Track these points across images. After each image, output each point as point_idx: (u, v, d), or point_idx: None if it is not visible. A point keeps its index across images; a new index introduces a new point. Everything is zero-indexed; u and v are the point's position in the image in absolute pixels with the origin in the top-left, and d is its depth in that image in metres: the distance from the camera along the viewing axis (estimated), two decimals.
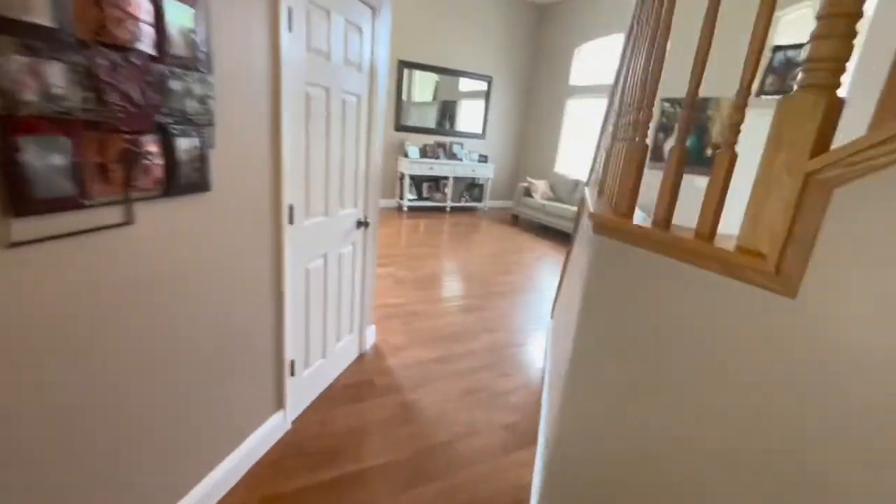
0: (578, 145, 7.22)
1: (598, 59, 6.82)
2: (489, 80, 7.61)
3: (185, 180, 1.17)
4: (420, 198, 7.43)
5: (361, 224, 2.27)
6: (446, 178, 7.36)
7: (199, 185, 1.24)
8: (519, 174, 8.34)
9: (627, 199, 1.12)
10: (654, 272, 0.98)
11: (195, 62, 1.15)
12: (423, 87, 7.18)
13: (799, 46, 4.47)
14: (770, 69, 4.72)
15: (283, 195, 1.58)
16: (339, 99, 1.87)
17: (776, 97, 4.68)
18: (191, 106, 1.15)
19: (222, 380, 1.50)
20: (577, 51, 7.01)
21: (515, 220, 7.20)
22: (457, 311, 3.39)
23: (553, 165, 7.54)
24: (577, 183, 6.66)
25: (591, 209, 1.32)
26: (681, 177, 0.97)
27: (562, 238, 6.23)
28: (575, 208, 5.91)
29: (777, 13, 4.67)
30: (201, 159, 1.22)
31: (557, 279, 4.20)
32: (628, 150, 1.16)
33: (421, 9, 6.60)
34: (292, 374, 1.83)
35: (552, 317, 3.22)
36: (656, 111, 5.82)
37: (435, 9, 6.74)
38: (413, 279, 4.00)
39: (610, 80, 6.58)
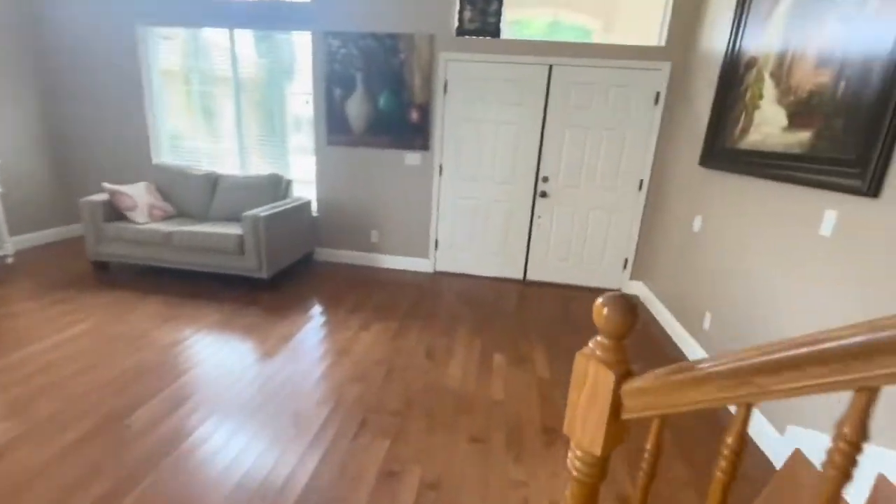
0: (197, 107, 4.11)
1: None
2: None
3: None
4: None
5: None
6: None
7: None
8: (71, 179, 4.26)
9: None
10: None
11: None
12: None
13: None
14: (468, 1, 3.53)
15: None
16: None
17: (481, 38, 3.56)
18: None
19: None
20: None
21: (105, 271, 3.52)
22: None
23: (150, 152, 4.09)
24: (213, 178, 3.74)
25: None
26: None
27: (221, 287, 3.33)
28: (237, 232, 3.16)
29: None
30: None
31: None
32: None
33: None
34: None
35: None
36: (321, 56, 3.67)
37: None
38: None
39: None
